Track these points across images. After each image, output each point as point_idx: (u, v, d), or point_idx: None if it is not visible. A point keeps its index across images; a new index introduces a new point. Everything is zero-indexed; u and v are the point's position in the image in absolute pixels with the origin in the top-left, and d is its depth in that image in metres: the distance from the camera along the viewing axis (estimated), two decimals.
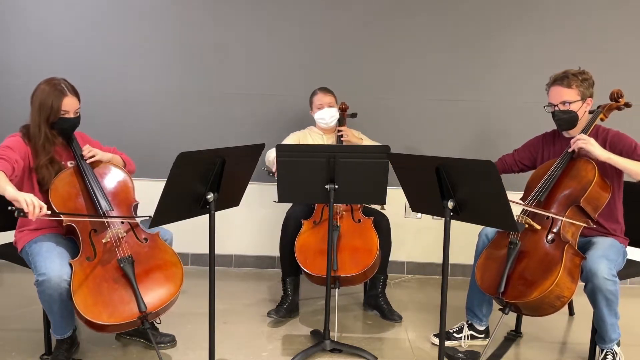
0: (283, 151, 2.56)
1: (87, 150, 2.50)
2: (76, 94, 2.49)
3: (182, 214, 2.16)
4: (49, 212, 2.19)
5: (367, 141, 3.40)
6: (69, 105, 2.44)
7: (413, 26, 3.77)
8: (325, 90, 3.33)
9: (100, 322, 2.21)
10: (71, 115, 2.46)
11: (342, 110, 3.36)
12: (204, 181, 2.13)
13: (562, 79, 2.59)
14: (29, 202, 2.09)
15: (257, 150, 2.33)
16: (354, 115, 3.52)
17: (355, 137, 3.35)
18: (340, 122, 3.34)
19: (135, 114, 3.80)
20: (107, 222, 2.41)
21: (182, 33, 3.81)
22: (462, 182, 2.06)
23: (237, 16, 3.78)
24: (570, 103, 2.58)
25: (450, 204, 2.09)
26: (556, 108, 2.61)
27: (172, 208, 2.09)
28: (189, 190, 2.12)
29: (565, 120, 2.60)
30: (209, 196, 2.14)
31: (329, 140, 3.36)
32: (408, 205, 2.42)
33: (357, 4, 3.77)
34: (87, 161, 2.49)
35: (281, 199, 2.63)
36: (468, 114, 3.81)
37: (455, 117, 3.82)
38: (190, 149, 2.02)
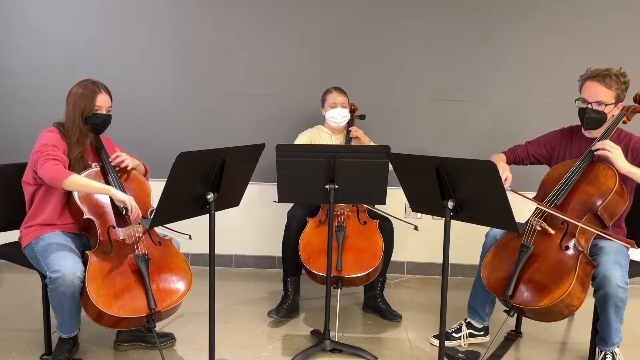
0: (283, 151, 2.56)
1: (116, 157, 2.59)
2: (108, 92, 2.61)
3: (182, 214, 2.16)
4: (143, 217, 2.47)
5: None
6: (102, 101, 2.56)
7: (416, 27, 3.76)
8: (340, 90, 3.32)
9: (110, 313, 2.23)
10: (103, 112, 2.57)
11: (351, 111, 3.35)
12: (204, 181, 2.13)
13: (603, 77, 2.43)
14: (135, 208, 2.36)
15: (257, 150, 2.33)
16: (362, 117, 3.51)
17: (366, 138, 3.36)
18: (349, 123, 3.34)
19: (135, 113, 3.80)
20: (129, 219, 2.49)
21: (183, 33, 3.81)
22: (462, 182, 2.06)
23: (238, 16, 3.78)
24: (605, 105, 2.45)
25: (450, 204, 2.09)
26: (589, 106, 2.47)
27: (172, 208, 2.09)
28: (189, 190, 2.12)
29: (594, 120, 2.48)
30: (209, 196, 2.14)
31: (337, 139, 3.36)
32: (408, 205, 2.41)
33: (359, 4, 3.77)
34: (116, 168, 2.57)
35: (281, 199, 2.63)
36: (471, 115, 3.81)
37: (458, 117, 3.81)
38: (191, 149, 2.02)
